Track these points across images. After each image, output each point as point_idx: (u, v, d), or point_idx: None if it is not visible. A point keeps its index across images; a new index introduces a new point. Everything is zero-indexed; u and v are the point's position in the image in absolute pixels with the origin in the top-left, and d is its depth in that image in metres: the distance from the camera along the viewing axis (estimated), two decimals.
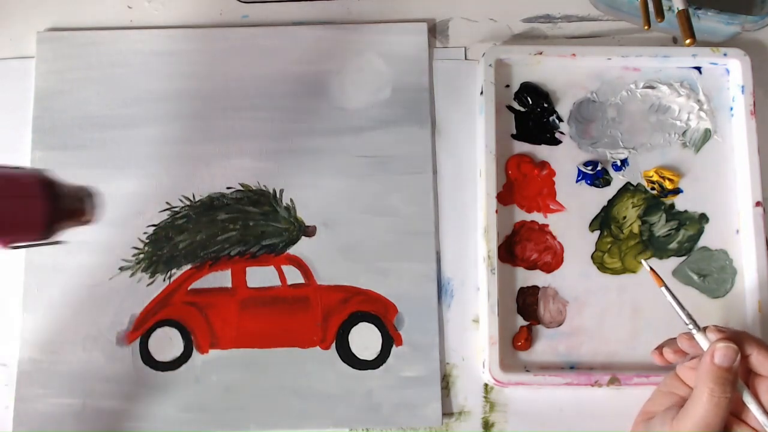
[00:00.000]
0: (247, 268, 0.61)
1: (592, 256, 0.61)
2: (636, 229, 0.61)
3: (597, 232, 0.61)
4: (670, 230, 0.62)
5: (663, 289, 0.50)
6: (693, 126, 0.63)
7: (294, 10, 0.66)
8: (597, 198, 0.62)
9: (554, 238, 0.61)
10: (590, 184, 0.62)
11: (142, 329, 0.59)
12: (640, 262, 0.59)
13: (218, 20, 0.66)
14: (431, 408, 0.58)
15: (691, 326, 0.48)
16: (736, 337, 0.47)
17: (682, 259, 0.61)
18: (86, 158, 0.62)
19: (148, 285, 0.60)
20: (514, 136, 0.63)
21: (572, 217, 0.61)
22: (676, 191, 0.62)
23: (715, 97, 0.64)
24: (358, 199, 0.62)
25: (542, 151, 0.63)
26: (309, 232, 0.61)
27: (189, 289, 0.60)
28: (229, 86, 0.63)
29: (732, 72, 0.64)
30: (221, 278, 0.60)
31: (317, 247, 0.61)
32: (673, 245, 0.61)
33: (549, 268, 0.61)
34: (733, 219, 0.62)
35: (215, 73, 0.64)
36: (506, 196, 0.62)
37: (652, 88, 0.64)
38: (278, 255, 0.61)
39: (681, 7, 0.57)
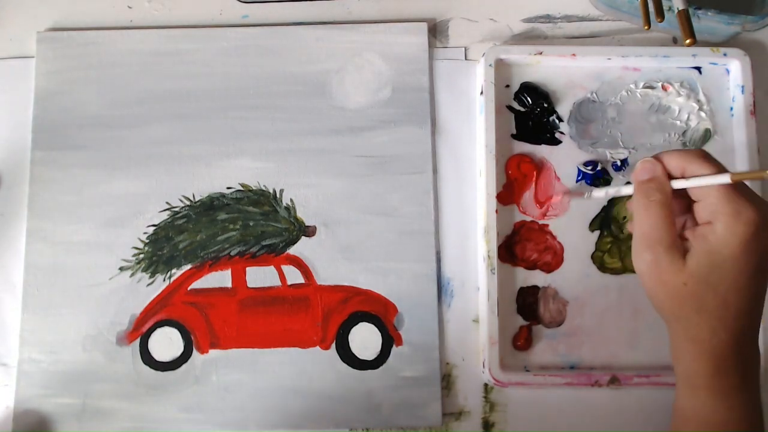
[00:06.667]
0: (247, 268, 0.61)
1: (592, 256, 0.61)
2: None
3: (597, 232, 0.61)
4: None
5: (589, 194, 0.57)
6: (693, 126, 0.63)
7: (294, 10, 0.66)
8: (597, 198, 0.62)
9: (554, 238, 0.61)
10: (590, 184, 0.62)
11: (142, 329, 0.59)
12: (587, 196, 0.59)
13: (218, 20, 0.66)
14: (431, 408, 0.58)
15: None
16: (656, 156, 0.51)
17: None
18: (86, 158, 0.62)
19: (148, 285, 0.60)
20: (514, 136, 0.63)
21: (572, 217, 0.61)
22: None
23: (715, 97, 0.64)
24: (358, 199, 0.62)
25: (542, 151, 0.63)
26: (309, 232, 0.61)
27: (189, 289, 0.60)
28: (229, 86, 0.63)
29: (732, 72, 0.64)
30: (221, 278, 0.60)
31: (317, 247, 0.61)
32: None
33: (549, 268, 0.61)
34: None
35: (215, 73, 0.64)
36: (506, 196, 0.62)
37: (652, 88, 0.64)
38: (278, 255, 0.61)
39: (681, 7, 0.57)
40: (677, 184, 0.49)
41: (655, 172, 0.49)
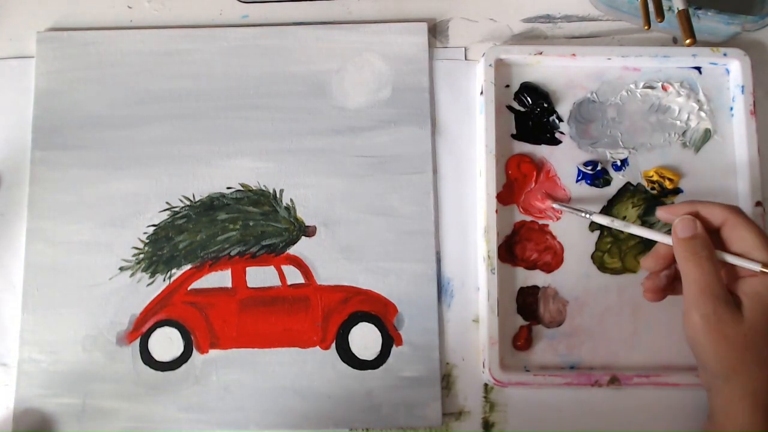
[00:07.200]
0: (247, 268, 0.61)
1: (592, 256, 0.61)
2: None
3: (597, 232, 0.61)
4: (670, 230, 0.61)
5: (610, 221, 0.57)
6: (693, 126, 0.63)
7: (294, 10, 0.66)
8: (597, 198, 0.62)
9: (554, 238, 0.61)
10: (590, 184, 0.62)
11: (142, 329, 0.59)
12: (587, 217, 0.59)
13: (218, 20, 0.66)
14: (431, 408, 0.58)
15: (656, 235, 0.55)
16: (687, 207, 0.53)
17: None
18: (86, 158, 0.62)
19: (148, 285, 0.60)
20: (514, 136, 0.63)
21: (572, 217, 0.61)
22: (676, 191, 0.62)
23: (715, 97, 0.64)
24: (358, 199, 0.62)
25: (542, 151, 0.63)
26: (309, 232, 0.61)
27: (189, 289, 0.60)
28: (229, 86, 0.63)
29: (732, 72, 0.64)
30: (221, 278, 0.60)
31: (317, 247, 0.61)
32: None
33: (549, 268, 0.61)
34: None
35: (215, 73, 0.64)
36: (506, 196, 0.62)
37: (652, 88, 0.64)
38: (278, 255, 0.61)
39: (681, 7, 0.57)
40: (721, 254, 0.51)
41: (697, 229, 0.51)
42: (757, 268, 0.49)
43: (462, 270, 0.61)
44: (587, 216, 0.57)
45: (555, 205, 0.60)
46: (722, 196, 0.62)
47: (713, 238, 0.52)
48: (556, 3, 0.66)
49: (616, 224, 0.56)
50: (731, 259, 0.51)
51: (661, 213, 0.54)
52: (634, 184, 0.62)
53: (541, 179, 0.62)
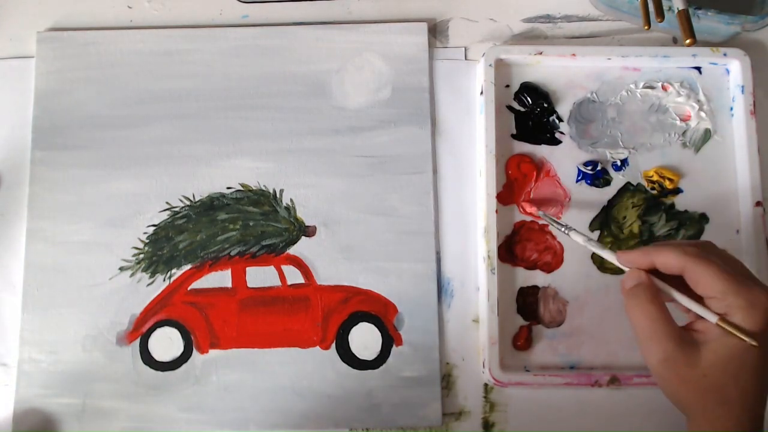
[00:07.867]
0: (247, 268, 0.61)
1: (592, 256, 0.61)
2: (636, 229, 0.61)
3: (597, 232, 0.61)
4: (670, 230, 0.62)
5: (571, 233, 0.55)
6: (693, 126, 0.63)
7: (294, 10, 0.66)
8: (597, 198, 0.62)
9: (554, 238, 0.61)
10: (590, 184, 0.62)
11: (142, 329, 0.59)
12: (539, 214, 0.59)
13: (218, 20, 0.66)
14: (431, 408, 0.58)
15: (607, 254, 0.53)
16: (643, 257, 0.50)
17: None
18: (86, 158, 0.62)
19: (148, 285, 0.60)
20: (514, 136, 0.63)
21: (572, 217, 0.61)
22: (676, 191, 0.62)
23: (715, 97, 0.64)
24: (358, 199, 0.62)
25: (542, 151, 0.63)
26: (309, 232, 0.61)
27: (189, 289, 0.60)
28: (229, 86, 0.63)
29: (732, 72, 0.64)
30: (221, 278, 0.60)
31: (317, 247, 0.61)
32: None
33: (549, 268, 0.61)
34: (733, 219, 0.62)
35: (215, 73, 0.64)
36: (506, 196, 0.62)
37: (652, 88, 0.64)
38: (278, 255, 0.61)
39: (681, 7, 0.57)
40: (678, 298, 0.49)
41: (641, 278, 0.50)
42: (714, 319, 0.47)
43: (462, 270, 0.61)
44: (565, 231, 0.56)
45: (540, 213, 0.60)
46: (722, 196, 0.62)
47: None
48: (556, 3, 0.66)
49: (590, 245, 0.54)
50: (688, 304, 0.49)
51: (621, 258, 0.52)
52: (634, 184, 0.62)
53: (541, 179, 0.62)
